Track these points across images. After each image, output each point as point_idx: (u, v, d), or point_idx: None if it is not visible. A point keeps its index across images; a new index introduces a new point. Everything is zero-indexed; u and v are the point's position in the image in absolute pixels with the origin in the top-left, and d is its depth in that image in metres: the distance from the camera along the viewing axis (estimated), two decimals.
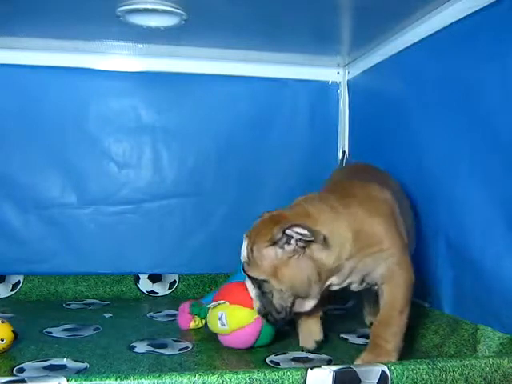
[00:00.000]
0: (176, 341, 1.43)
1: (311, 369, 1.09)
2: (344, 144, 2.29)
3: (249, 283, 1.36)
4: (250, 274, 1.32)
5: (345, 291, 1.40)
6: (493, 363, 1.15)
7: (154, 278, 2.11)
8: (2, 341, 1.36)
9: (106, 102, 2.14)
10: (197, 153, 2.17)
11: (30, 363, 1.32)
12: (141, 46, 2.06)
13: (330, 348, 1.47)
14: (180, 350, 1.38)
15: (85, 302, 2.00)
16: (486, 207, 1.38)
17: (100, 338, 1.54)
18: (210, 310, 1.45)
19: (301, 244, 1.25)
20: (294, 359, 1.36)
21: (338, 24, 1.79)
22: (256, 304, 1.34)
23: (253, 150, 2.20)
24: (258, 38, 1.95)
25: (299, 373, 1.08)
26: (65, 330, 1.62)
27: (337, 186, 1.48)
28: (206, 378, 1.06)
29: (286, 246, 1.26)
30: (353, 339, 1.56)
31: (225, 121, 2.20)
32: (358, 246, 1.31)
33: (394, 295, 1.33)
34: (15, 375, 1.22)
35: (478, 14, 1.43)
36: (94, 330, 1.62)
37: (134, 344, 1.48)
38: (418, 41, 1.70)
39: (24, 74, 2.07)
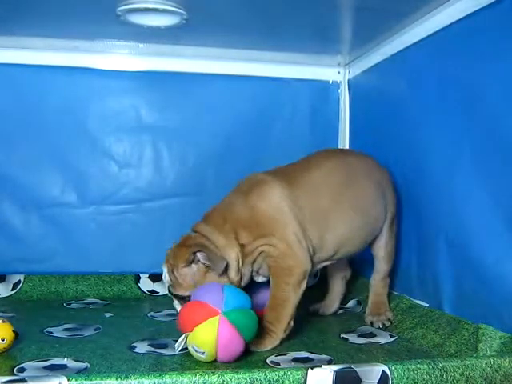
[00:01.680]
0: (176, 341, 1.42)
1: (312, 368, 1.09)
2: (344, 143, 2.29)
3: (176, 302, 1.52)
4: (176, 293, 1.49)
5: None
6: (494, 363, 1.15)
7: (155, 278, 2.11)
8: (3, 340, 1.36)
9: (106, 102, 2.14)
10: (197, 152, 2.17)
11: (30, 363, 1.31)
12: (141, 45, 2.06)
13: (330, 348, 1.47)
14: (181, 350, 1.37)
15: (85, 301, 2.00)
16: (487, 207, 1.38)
17: (100, 337, 1.54)
18: (182, 345, 1.34)
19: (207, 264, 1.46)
20: (295, 359, 1.36)
21: (338, 23, 1.79)
22: None
23: (253, 150, 2.20)
24: (259, 37, 1.96)
25: (300, 373, 1.08)
26: (65, 329, 1.62)
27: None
28: (206, 377, 1.06)
29: (199, 263, 1.46)
30: (353, 339, 1.56)
31: (225, 120, 2.19)
32: (245, 257, 1.49)
33: (278, 289, 1.48)
34: (16, 375, 1.22)
35: (478, 14, 1.43)
36: (95, 330, 1.62)
37: (134, 344, 1.48)
38: (419, 40, 1.70)
39: (24, 74, 2.07)
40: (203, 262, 1.45)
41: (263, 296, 1.65)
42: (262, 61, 2.20)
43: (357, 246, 1.66)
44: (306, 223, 1.52)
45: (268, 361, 1.34)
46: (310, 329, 1.68)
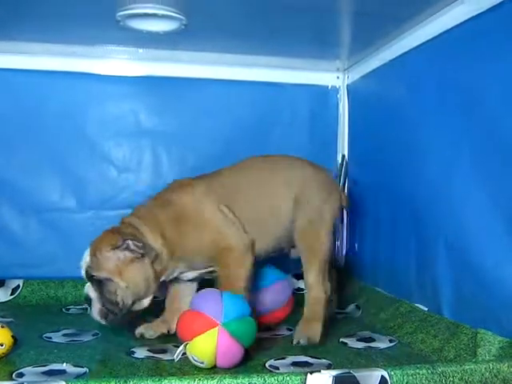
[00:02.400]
0: (175, 346, 1.42)
1: (311, 373, 1.09)
2: (343, 148, 2.29)
3: (90, 288, 1.50)
4: (94, 274, 1.48)
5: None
6: (493, 368, 1.15)
7: None
8: (2, 346, 1.36)
9: (105, 107, 2.14)
10: (196, 157, 2.17)
11: (29, 368, 1.31)
12: (141, 50, 2.06)
13: (329, 352, 1.47)
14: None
15: (84, 306, 1.99)
16: (486, 210, 1.38)
17: (99, 343, 1.54)
18: (180, 355, 1.34)
19: (138, 253, 1.49)
20: (294, 364, 1.36)
21: (337, 28, 1.79)
22: (95, 306, 1.50)
23: (252, 155, 2.20)
24: (258, 42, 1.96)
25: (299, 377, 1.08)
26: (64, 335, 1.62)
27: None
28: (205, 382, 1.06)
29: (126, 251, 1.49)
30: (352, 343, 1.56)
31: (224, 125, 2.20)
32: (171, 253, 1.55)
33: (224, 271, 1.54)
34: (15, 380, 1.22)
35: (477, 19, 1.43)
36: (93, 335, 1.61)
37: (133, 349, 1.48)
38: (418, 45, 1.71)
39: (24, 79, 2.07)
40: (133, 248, 1.48)
41: (268, 300, 1.66)
42: (260, 66, 2.21)
43: (270, 245, 1.67)
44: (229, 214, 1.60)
45: (267, 365, 1.34)
46: None
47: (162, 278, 1.57)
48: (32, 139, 2.08)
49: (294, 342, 1.51)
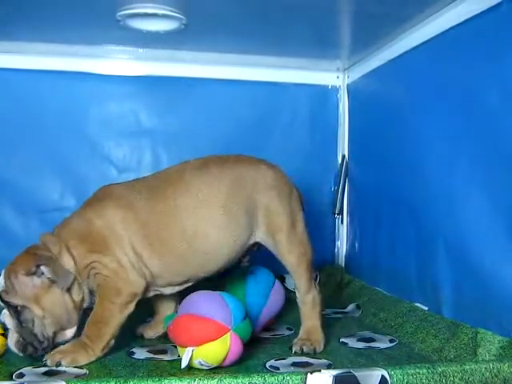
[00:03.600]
0: (176, 346, 1.42)
1: (311, 373, 1.09)
2: (344, 148, 2.29)
3: (6, 313, 1.37)
4: (8, 300, 1.35)
5: None
6: (493, 368, 1.15)
7: None
8: None
9: (106, 106, 2.14)
10: (196, 156, 2.16)
11: (29, 368, 1.32)
12: (141, 50, 2.06)
13: (329, 352, 1.47)
14: (180, 355, 1.37)
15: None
16: (486, 210, 1.38)
17: None
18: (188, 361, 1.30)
19: (52, 280, 1.36)
20: (294, 364, 1.35)
21: (337, 28, 1.79)
22: (13, 336, 1.36)
23: (252, 154, 2.20)
24: (258, 42, 1.96)
25: (299, 377, 1.08)
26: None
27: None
28: (205, 382, 1.06)
29: (43, 277, 1.36)
30: (352, 343, 1.56)
31: (224, 125, 2.20)
32: (81, 270, 1.41)
33: (101, 307, 1.40)
34: (15, 380, 1.22)
35: (476, 19, 1.43)
36: None
37: (133, 350, 1.48)
38: (418, 45, 1.71)
39: (24, 79, 2.08)
40: (48, 275, 1.36)
41: (274, 304, 1.64)
42: (261, 65, 2.21)
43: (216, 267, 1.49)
44: (142, 250, 1.42)
45: (267, 365, 1.34)
46: None
47: (84, 305, 1.44)
48: (32, 139, 2.08)
49: (296, 350, 1.45)
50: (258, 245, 1.55)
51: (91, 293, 1.45)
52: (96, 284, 1.42)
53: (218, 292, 1.38)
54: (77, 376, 1.26)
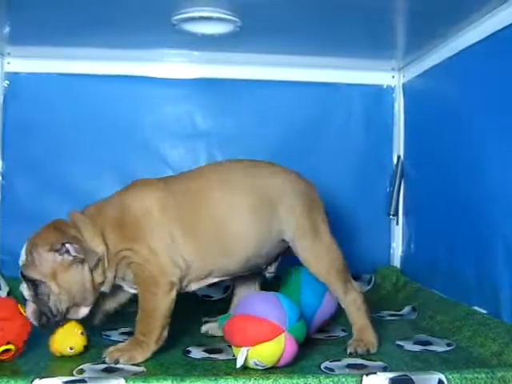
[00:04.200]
0: (231, 346, 1.43)
1: (366, 375, 1.08)
2: (399, 148, 2.27)
3: (24, 285, 1.39)
4: (27, 274, 1.37)
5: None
6: None
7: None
8: (71, 349, 1.40)
9: (161, 109, 2.19)
10: (251, 158, 2.17)
11: (88, 364, 1.35)
12: (196, 53, 2.09)
13: (385, 355, 1.45)
14: (235, 355, 1.38)
15: None
16: None
17: None
18: (243, 361, 1.30)
19: (78, 258, 1.37)
20: (349, 366, 1.34)
21: (392, 28, 1.78)
22: (30, 306, 1.38)
23: (306, 156, 2.20)
24: (312, 43, 1.96)
25: (354, 379, 1.08)
26: (122, 333, 1.66)
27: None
28: (260, 382, 1.07)
29: (65, 255, 1.37)
30: (408, 346, 1.54)
31: (278, 126, 2.21)
32: (112, 256, 1.42)
33: (144, 299, 1.41)
34: (75, 376, 1.25)
35: None
36: None
37: (189, 349, 1.50)
38: (474, 43, 1.69)
39: (83, 83, 2.14)
40: (74, 254, 1.36)
41: (329, 306, 1.64)
42: (315, 66, 2.21)
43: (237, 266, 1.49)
44: (178, 235, 1.43)
45: (322, 366, 1.33)
46: None
47: (102, 289, 1.45)
48: (92, 142, 2.14)
49: (351, 351, 1.44)
50: (281, 255, 1.56)
51: (121, 279, 1.47)
52: (133, 274, 1.44)
53: (274, 293, 1.38)
54: (135, 373, 1.28)
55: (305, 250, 1.52)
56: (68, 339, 1.41)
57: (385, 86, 2.28)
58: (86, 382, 1.13)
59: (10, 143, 2.14)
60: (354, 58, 2.15)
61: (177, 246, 1.43)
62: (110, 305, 1.62)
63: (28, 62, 2.14)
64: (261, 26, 1.75)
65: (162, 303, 1.40)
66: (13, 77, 2.14)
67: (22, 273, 1.39)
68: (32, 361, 1.37)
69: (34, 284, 1.37)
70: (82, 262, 1.38)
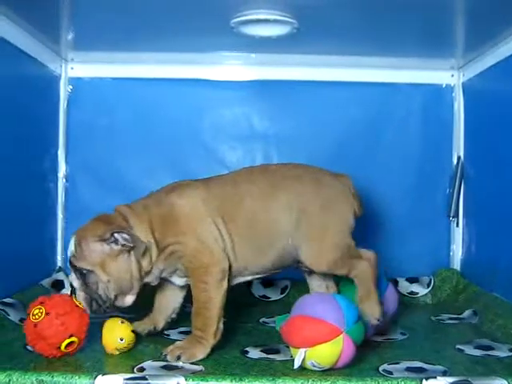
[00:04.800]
0: (288, 347, 1.44)
1: (426, 379, 1.07)
2: (459, 149, 2.22)
3: (73, 276, 1.45)
4: (76, 264, 1.44)
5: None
6: None
7: (267, 283, 2.14)
8: (122, 340, 1.43)
9: (219, 111, 2.21)
10: (308, 159, 2.14)
11: (149, 362, 1.37)
12: (253, 55, 2.11)
13: (445, 359, 1.43)
14: (292, 356, 1.38)
15: None
16: None
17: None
18: (301, 362, 1.31)
19: (126, 247, 1.43)
20: (408, 369, 1.33)
21: (451, 27, 1.74)
22: (80, 294, 1.44)
23: (365, 157, 2.19)
24: (370, 43, 1.94)
25: (414, 383, 1.06)
26: (181, 332, 1.68)
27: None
28: (318, 383, 1.07)
29: (113, 244, 1.43)
30: (469, 350, 1.51)
31: (336, 127, 2.20)
32: (160, 251, 1.49)
33: (197, 290, 1.46)
34: (135, 373, 1.28)
35: None
36: None
37: (246, 349, 1.51)
38: None
39: (143, 87, 2.19)
40: (123, 242, 1.42)
41: (387, 308, 1.62)
42: (373, 67, 2.19)
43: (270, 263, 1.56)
44: (220, 225, 1.51)
45: (380, 369, 1.33)
46: (424, 338, 1.65)
47: (147, 280, 1.52)
48: (151, 144, 2.18)
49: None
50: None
51: (171, 273, 1.54)
52: (185, 268, 1.50)
53: (332, 294, 1.38)
54: (193, 372, 1.30)
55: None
56: (114, 332, 1.45)
57: (444, 86, 2.24)
58: (146, 379, 1.16)
59: (73, 147, 2.21)
60: (412, 58, 2.12)
61: (222, 236, 1.50)
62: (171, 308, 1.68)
63: (90, 67, 2.20)
64: (318, 27, 1.75)
65: (214, 293, 1.45)
66: (76, 82, 2.20)
67: (71, 263, 1.46)
68: (94, 358, 1.40)
69: (82, 274, 1.44)
70: (129, 251, 1.45)
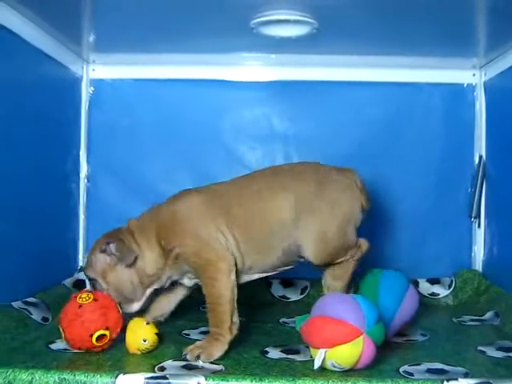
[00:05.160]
0: (308, 347, 1.44)
1: (447, 381, 1.06)
2: (481, 148, 2.20)
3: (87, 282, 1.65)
4: (85, 272, 1.59)
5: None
6: None
7: (286, 283, 2.14)
8: (145, 341, 1.44)
9: (239, 112, 2.22)
10: (328, 159, 2.15)
11: (169, 362, 1.38)
12: (273, 55, 2.11)
13: (466, 360, 1.42)
14: (312, 356, 1.38)
15: None
16: None
17: (232, 342, 1.56)
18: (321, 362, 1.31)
19: (117, 257, 1.53)
20: (429, 371, 1.32)
21: (473, 25, 1.73)
22: None
23: (385, 156, 2.18)
24: (390, 42, 1.93)
25: None
26: (201, 332, 1.68)
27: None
28: None
29: (112, 255, 1.53)
30: (491, 352, 1.50)
31: (356, 127, 2.19)
32: (166, 256, 1.55)
33: (207, 286, 1.49)
34: (156, 373, 1.28)
35: None
36: None
37: (266, 349, 1.51)
38: None
39: (163, 88, 2.21)
40: (113, 252, 1.52)
41: (408, 309, 1.61)
42: (392, 66, 2.18)
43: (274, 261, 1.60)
44: (224, 230, 1.54)
45: (401, 370, 1.32)
46: (446, 339, 1.63)
47: (156, 286, 1.59)
48: (171, 145, 2.20)
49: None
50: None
51: (182, 275, 1.60)
52: (193, 268, 1.54)
53: (352, 295, 1.38)
54: (214, 372, 1.30)
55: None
56: (138, 333, 1.46)
57: (465, 85, 2.23)
58: (167, 378, 1.16)
59: (94, 148, 2.23)
60: (432, 57, 2.10)
61: (225, 238, 1.54)
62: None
63: (111, 69, 2.22)
64: (338, 27, 1.75)
65: (224, 287, 1.48)
66: (97, 83, 2.22)
67: (84, 272, 1.63)
68: (115, 357, 1.41)
69: (91, 281, 1.58)
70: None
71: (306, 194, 1.59)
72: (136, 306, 1.59)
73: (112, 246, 1.53)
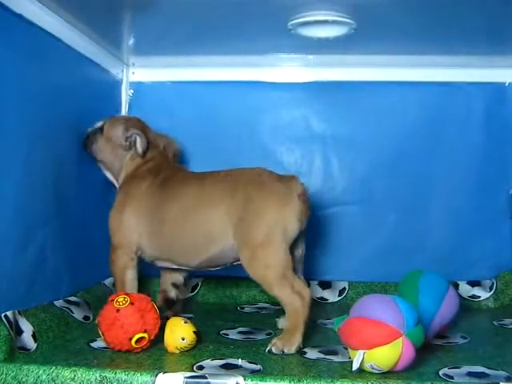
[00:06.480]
0: (346, 348, 1.43)
1: None
2: None
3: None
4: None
5: None
6: None
7: (324, 285, 2.13)
8: (183, 340, 1.46)
9: (278, 113, 2.22)
10: (367, 160, 2.17)
11: (208, 361, 1.39)
12: (310, 56, 2.11)
13: (508, 364, 1.39)
14: (351, 357, 1.38)
15: (257, 305, 2.07)
16: None
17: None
18: (359, 364, 1.30)
19: None
20: (469, 374, 1.31)
21: None
22: None
23: (424, 157, 2.16)
24: (429, 42, 1.92)
25: None
26: (240, 332, 1.69)
27: None
28: None
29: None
30: None
31: (395, 127, 2.17)
32: None
33: None
34: (195, 372, 1.30)
35: None
36: (267, 335, 1.67)
37: (305, 350, 1.51)
38: None
39: (201, 90, 2.23)
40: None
41: (448, 311, 1.59)
42: (432, 66, 2.15)
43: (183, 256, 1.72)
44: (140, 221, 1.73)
45: (440, 373, 1.31)
46: (486, 342, 1.61)
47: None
48: (210, 146, 2.21)
49: (267, 349, 1.48)
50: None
51: None
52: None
53: (391, 296, 1.37)
54: (252, 371, 1.31)
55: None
56: (176, 332, 1.47)
57: (507, 84, 2.19)
58: (206, 378, 1.17)
59: None
60: (472, 56, 2.08)
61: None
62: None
63: (150, 72, 2.25)
64: (375, 27, 1.74)
65: (115, 266, 1.75)
66: (137, 86, 2.25)
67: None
68: (154, 356, 1.43)
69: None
70: None
71: (240, 202, 1.60)
72: None
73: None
